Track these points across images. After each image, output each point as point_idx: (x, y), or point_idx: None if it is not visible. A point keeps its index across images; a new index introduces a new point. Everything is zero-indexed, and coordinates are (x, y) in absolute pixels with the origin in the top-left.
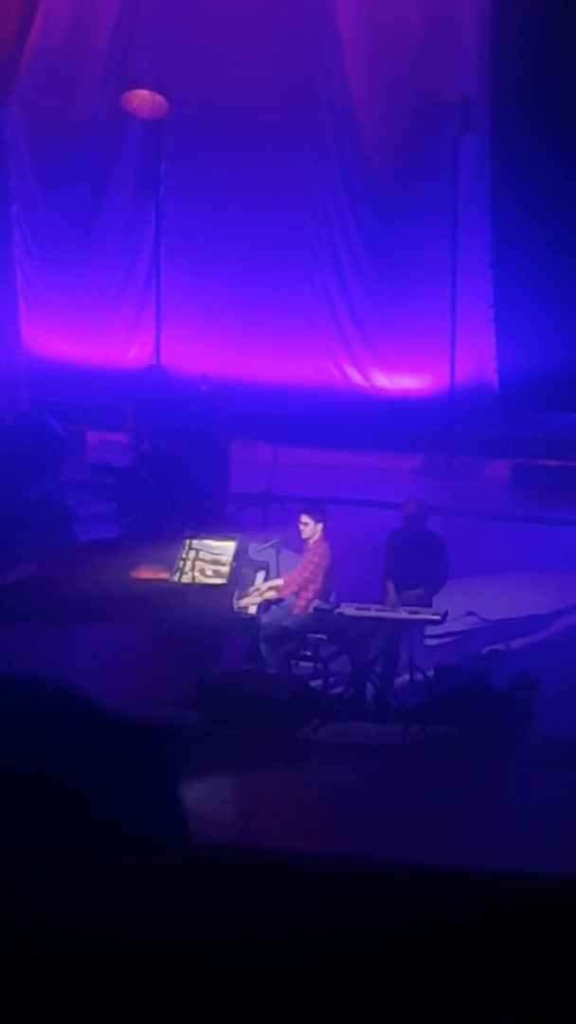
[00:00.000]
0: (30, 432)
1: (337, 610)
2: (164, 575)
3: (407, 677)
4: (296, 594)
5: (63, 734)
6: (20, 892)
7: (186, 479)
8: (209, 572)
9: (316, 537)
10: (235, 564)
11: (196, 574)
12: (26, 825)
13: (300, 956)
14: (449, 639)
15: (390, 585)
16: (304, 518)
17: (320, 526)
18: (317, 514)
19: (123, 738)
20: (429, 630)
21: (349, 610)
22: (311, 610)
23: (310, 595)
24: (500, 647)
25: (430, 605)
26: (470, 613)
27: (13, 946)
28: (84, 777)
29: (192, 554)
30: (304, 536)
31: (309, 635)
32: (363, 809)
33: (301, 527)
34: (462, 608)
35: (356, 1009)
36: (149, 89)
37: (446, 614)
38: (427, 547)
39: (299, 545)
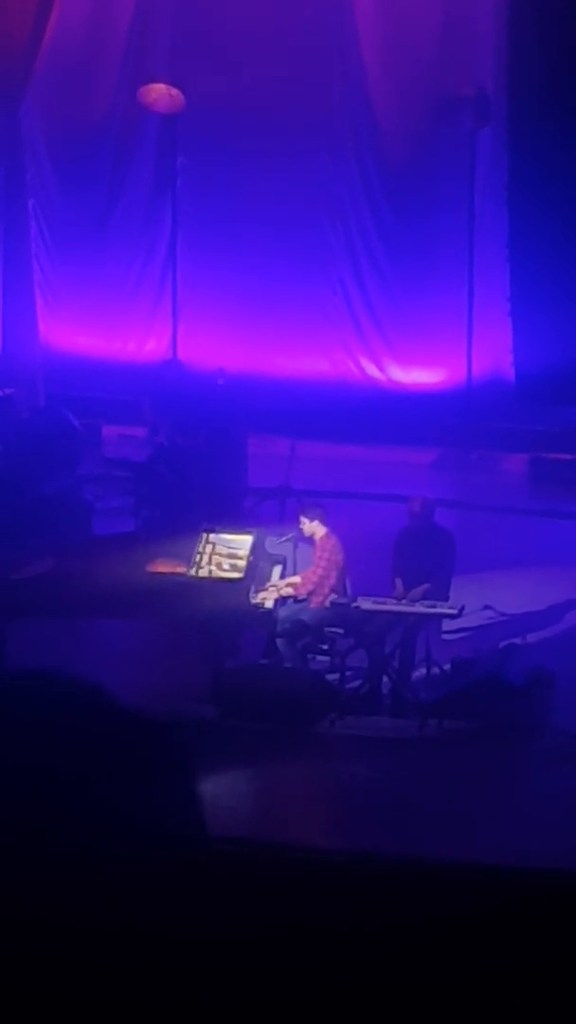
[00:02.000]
0: (47, 426)
1: (354, 604)
2: (181, 569)
3: (424, 671)
4: (312, 592)
5: (81, 730)
6: (30, 887)
7: (203, 473)
8: (226, 566)
9: (320, 533)
10: (252, 558)
11: (213, 568)
12: (41, 821)
13: (316, 951)
14: (466, 633)
15: (399, 581)
16: (301, 518)
17: (317, 523)
18: (311, 512)
19: (143, 733)
20: (446, 624)
21: (366, 604)
22: (328, 604)
23: (326, 590)
24: (517, 641)
25: (441, 599)
26: (487, 607)
27: (25, 945)
28: (102, 773)
29: (209, 548)
30: (306, 535)
31: (326, 629)
32: (380, 803)
33: (301, 527)
34: (479, 602)
35: (371, 1004)
36: (165, 83)
37: (463, 608)
38: (434, 543)
39: (310, 537)
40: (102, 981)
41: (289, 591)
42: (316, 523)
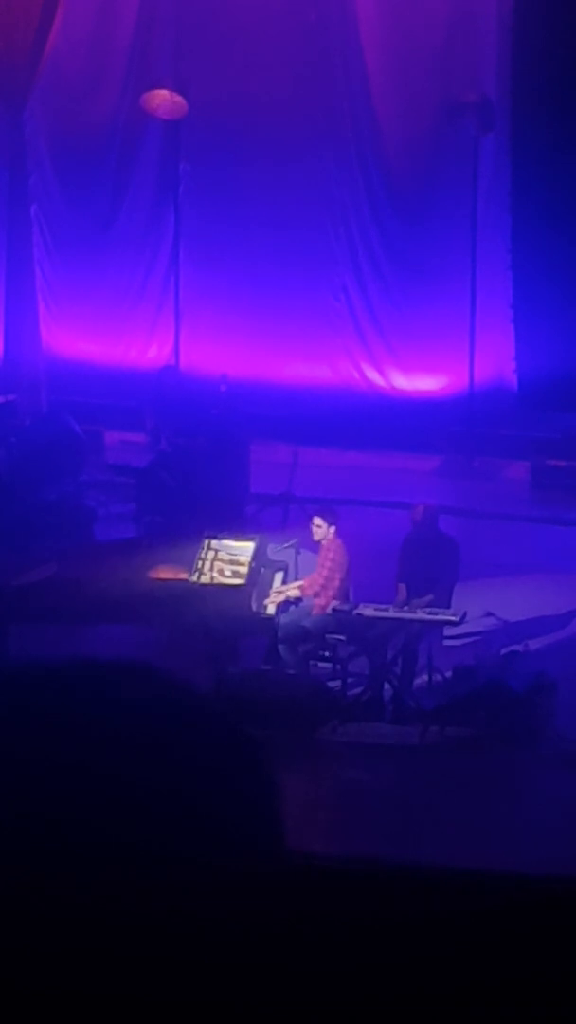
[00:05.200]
0: (49, 432)
1: (356, 611)
2: (183, 575)
3: (425, 678)
4: (317, 594)
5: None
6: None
7: (205, 479)
8: (228, 572)
9: (329, 538)
10: (254, 564)
11: (215, 574)
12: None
13: (315, 958)
14: (468, 640)
15: (402, 587)
16: (316, 520)
17: (332, 528)
18: (329, 516)
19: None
20: (448, 631)
21: (368, 611)
22: (329, 611)
23: (329, 596)
24: (519, 648)
25: (443, 606)
26: (489, 614)
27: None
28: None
29: (211, 554)
30: (316, 538)
31: (327, 636)
32: (380, 810)
33: (314, 529)
34: (481, 609)
35: (370, 1011)
36: (169, 89)
37: (464, 615)
38: (437, 551)
39: (317, 546)
40: (100, 977)
41: (295, 593)
42: (332, 528)
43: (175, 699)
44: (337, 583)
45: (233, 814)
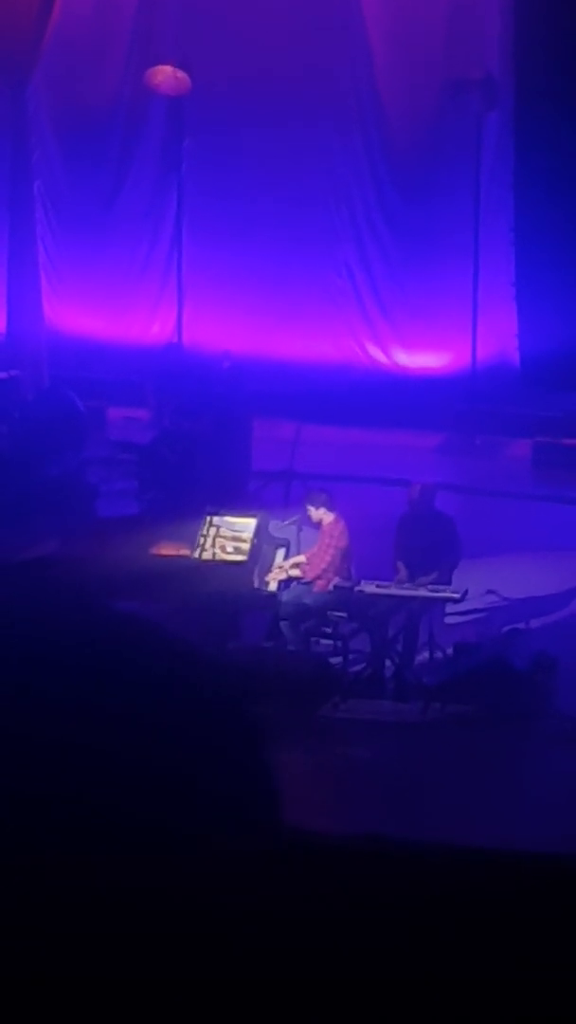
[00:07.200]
0: (52, 408)
1: (357, 588)
2: (184, 552)
3: (427, 655)
4: (315, 577)
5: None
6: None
7: (207, 456)
8: (229, 549)
9: (328, 519)
10: (255, 541)
11: (216, 551)
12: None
13: (317, 935)
14: (469, 618)
15: (401, 565)
16: (307, 506)
17: (323, 509)
18: (317, 499)
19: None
20: (449, 608)
21: (369, 588)
22: (331, 588)
23: (331, 574)
24: (520, 626)
25: (444, 584)
26: (490, 592)
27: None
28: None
29: (212, 531)
30: (314, 520)
31: (329, 613)
32: (381, 787)
33: (308, 512)
34: (482, 587)
35: (372, 987)
36: (172, 65)
37: (466, 593)
38: (434, 529)
39: (319, 523)
40: (98, 958)
41: (296, 572)
42: (323, 510)
43: (179, 658)
44: (338, 563)
45: (229, 785)
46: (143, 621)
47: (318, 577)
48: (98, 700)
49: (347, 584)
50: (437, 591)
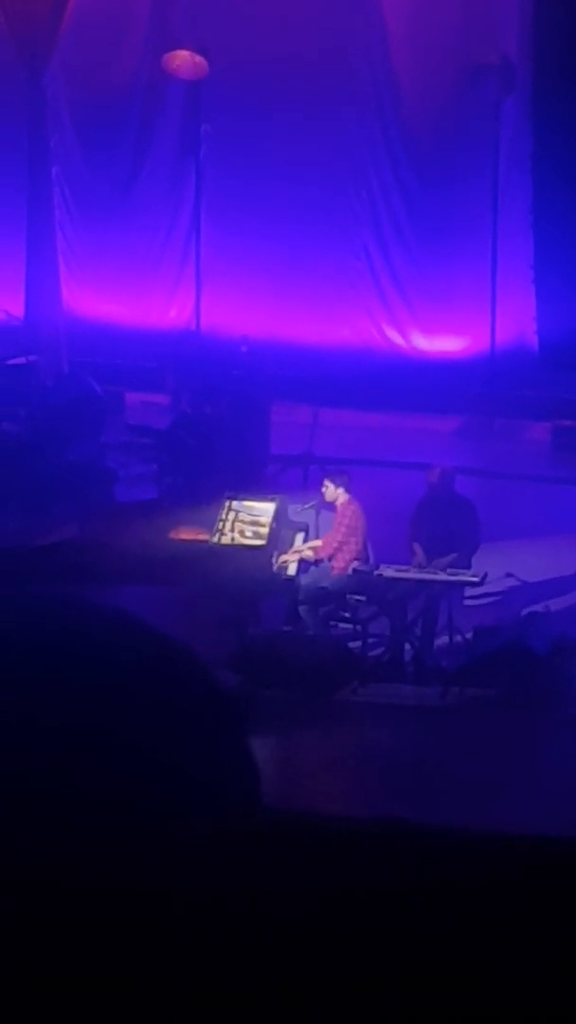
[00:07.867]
0: (71, 393)
1: (376, 571)
2: (203, 536)
3: (446, 639)
4: (332, 556)
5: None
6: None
7: (226, 440)
8: (248, 533)
9: (342, 500)
10: (274, 526)
11: (235, 535)
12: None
13: (334, 919)
14: (488, 601)
15: (417, 547)
16: (326, 482)
17: (341, 489)
18: (338, 478)
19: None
20: (468, 592)
21: (388, 572)
22: (350, 571)
23: (347, 556)
24: (539, 609)
25: (464, 567)
26: (509, 575)
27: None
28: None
29: (231, 515)
30: (328, 499)
31: (348, 596)
32: (401, 771)
33: (323, 491)
34: (501, 570)
35: (385, 973)
36: (190, 50)
37: (485, 576)
38: (454, 513)
39: (332, 502)
40: (103, 947)
41: (309, 554)
42: (340, 490)
43: (155, 649)
44: (353, 545)
45: (207, 770)
46: (122, 612)
47: (331, 556)
48: (72, 690)
49: (366, 568)
50: (456, 575)
